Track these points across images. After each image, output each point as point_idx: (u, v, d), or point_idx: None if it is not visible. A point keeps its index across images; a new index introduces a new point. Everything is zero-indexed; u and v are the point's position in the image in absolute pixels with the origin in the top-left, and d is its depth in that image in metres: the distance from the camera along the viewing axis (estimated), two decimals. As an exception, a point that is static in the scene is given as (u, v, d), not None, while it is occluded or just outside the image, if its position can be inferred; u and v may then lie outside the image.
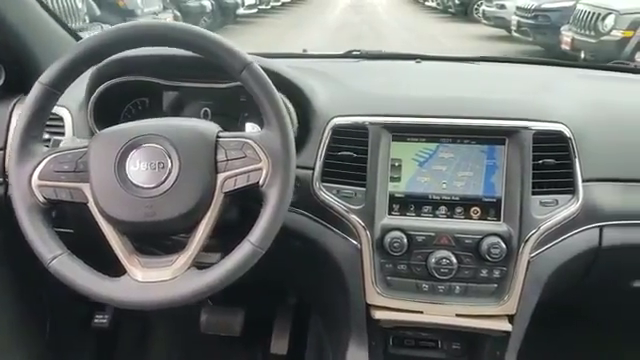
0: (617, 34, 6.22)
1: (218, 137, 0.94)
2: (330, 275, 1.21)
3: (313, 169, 1.16)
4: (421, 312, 1.15)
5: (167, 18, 8.78)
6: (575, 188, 1.13)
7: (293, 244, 1.22)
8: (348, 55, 1.64)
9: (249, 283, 1.58)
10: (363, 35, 10.90)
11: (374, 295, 1.15)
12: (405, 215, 1.15)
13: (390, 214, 1.15)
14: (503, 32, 9.97)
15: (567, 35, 6.95)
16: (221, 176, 0.92)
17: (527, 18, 8.51)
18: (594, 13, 6.48)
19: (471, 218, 1.14)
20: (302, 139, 1.19)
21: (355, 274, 1.16)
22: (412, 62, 1.52)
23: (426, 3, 18.09)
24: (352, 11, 16.89)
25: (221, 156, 0.93)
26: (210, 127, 0.96)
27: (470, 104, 1.17)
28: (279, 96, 0.95)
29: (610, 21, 6.30)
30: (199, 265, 0.95)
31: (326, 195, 1.15)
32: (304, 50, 1.79)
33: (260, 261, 0.92)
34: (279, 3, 17.58)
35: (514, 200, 1.11)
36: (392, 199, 1.15)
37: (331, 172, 1.16)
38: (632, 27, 6.09)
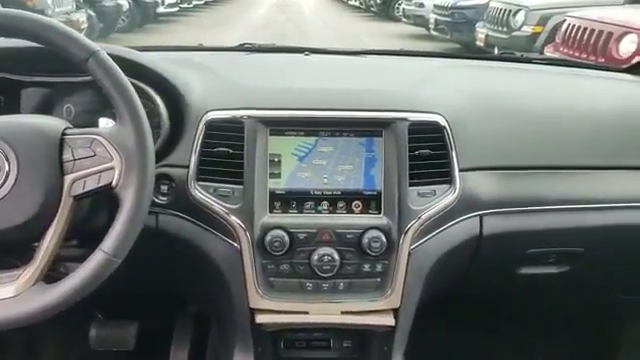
0: (527, 29, 6.50)
1: (64, 135, 0.86)
2: (212, 280, 1.15)
3: (188, 167, 1.10)
4: (306, 312, 1.11)
5: (80, 18, 8.38)
6: (452, 178, 1.13)
7: (173, 248, 1.16)
8: (239, 48, 1.59)
9: (141, 292, 1.50)
10: (287, 34, 10.87)
11: (257, 298, 1.10)
12: (287, 212, 1.11)
13: (271, 212, 1.11)
14: (423, 30, 10.21)
15: (481, 32, 7.20)
16: (68, 178, 0.85)
17: (444, 16, 8.76)
18: (506, 9, 6.75)
19: (353, 212, 1.12)
20: (176, 136, 1.13)
21: (236, 277, 1.11)
22: (301, 55, 1.49)
23: (349, 2, 18.28)
24: (277, 10, 16.83)
25: (67, 155, 0.85)
26: (55, 124, 0.88)
27: (347, 96, 1.14)
28: (131, 86, 0.88)
29: (521, 17, 6.58)
30: (55, 277, 0.87)
31: (202, 195, 1.10)
32: (199, 44, 1.74)
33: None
34: (202, 2, 17.24)
35: (393, 192, 1.10)
36: (273, 196, 1.11)
37: (207, 170, 1.10)
38: (541, 22, 6.38)
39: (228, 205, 1.09)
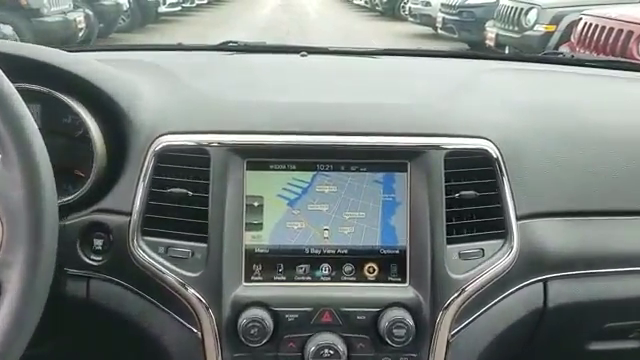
0: (540, 29, 6.24)
1: None
2: None
3: (130, 215, 0.78)
4: None
5: (77, 18, 8.12)
6: (507, 230, 0.80)
7: (109, 328, 0.83)
8: (221, 47, 1.26)
9: None
10: (291, 33, 10.57)
11: None
12: (270, 281, 0.78)
13: (248, 281, 0.78)
14: (430, 30, 9.90)
15: (491, 31, 6.91)
16: None
17: (452, 14, 8.46)
18: (517, 8, 6.48)
19: (366, 280, 0.79)
20: (114, 170, 0.81)
21: None
22: (297, 56, 1.16)
23: (354, 1, 18.06)
24: (281, 10, 16.62)
25: None
26: None
27: (357, 114, 0.82)
28: (20, 105, 0.56)
29: (533, 16, 6.32)
30: None
31: (148, 256, 0.77)
32: (179, 43, 1.41)
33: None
34: (205, 1, 17.04)
35: (423, 252, 0.77)
36: (250, 257, 0.78)
37: (156, 220, 0.78)
38: (554, 21, 6.12)
39: (185, 272, 0.77)
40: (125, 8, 10.34)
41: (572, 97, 0.99)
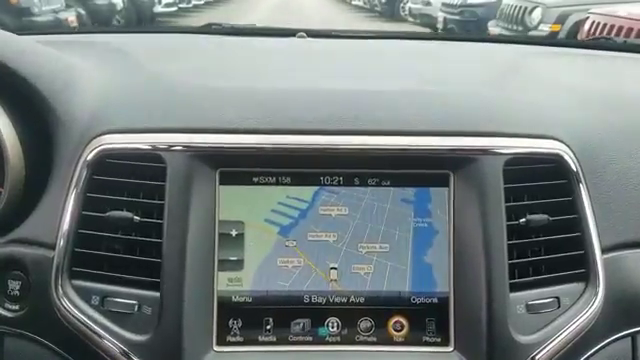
0: (545, 28, 6.10)
1: None
2: None
3: (54, 248, 0.54)
4: None
5: (69, 17, 7.94)
6: (591, 268, 0.57)
7: None
8: (205, 30, 1.02)
9: None
10: (288, 34, 10.44)
11: None
12: (254, 344, 0.54)
13: (221, 343, 0.54)
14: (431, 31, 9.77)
15: (494, 30, 6.75)
16: None
17: (453, 14, 8.30)
18: (521, 7, 6.34)
19: (391, 342, 0.55)
20: (35, 186, 0.58)
21: None
22: (293, 39, 0.92)
23: (353, 2, 17.95)
24: (278, 11, 16.57)
25: None
26: None
27: (375, 104, 0.58)
28: None
29: (537, 15, 6.18)
30: None
31: (76, 309, 0.54)
32: (156, 25, 1.16)
33: None
34: (202, 2, 16.95)
35: (475, 303, 0.54)
36: (225, 310, 0.55)
37: (88, 257, 0.55)
38: (560, 20, 5.98)
39: (128, 334, 0.53)
40: (119, 8, 10.19)
41: None
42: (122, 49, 0.74)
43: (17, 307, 0.57)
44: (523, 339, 0.54)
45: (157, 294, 0.53)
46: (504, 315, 0.53)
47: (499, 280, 0.53)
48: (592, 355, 0.59)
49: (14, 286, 0.57)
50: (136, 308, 0.53)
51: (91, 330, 0.53)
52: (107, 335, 0.53)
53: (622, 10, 4.73)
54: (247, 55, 0.82)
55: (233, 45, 0.96)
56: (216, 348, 0.54)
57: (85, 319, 0.53)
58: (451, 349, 0.55)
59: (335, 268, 0.56)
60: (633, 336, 0.61)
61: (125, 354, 0.52)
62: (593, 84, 0.72)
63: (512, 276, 0.54)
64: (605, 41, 1.04)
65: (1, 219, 0.57)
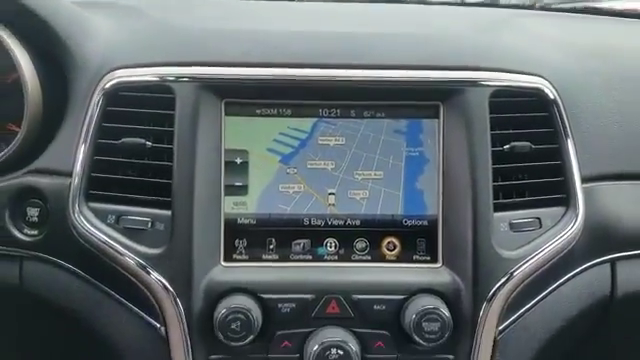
0: None
1: None
2: None
3: (71, 175, 0.59)
4: None
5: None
6: (571, 193, 0.61)
7: (52, 325, 0.64)
8: None
9: None
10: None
11: None
12: (258, 261, 0.59)
13: (228, 260, 0.59)
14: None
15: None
16: None
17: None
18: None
19: (384, 259, 0.60)
20: (53, 121, 0.62)
21: None
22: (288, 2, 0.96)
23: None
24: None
25: None
26: None
27: (372, 42, 0.62)
28: None
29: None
30: None
31: (93, 228, 0.58)
32: None
33: None
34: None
35: (462, 222, 0.58)
36: (231, 230, 0.59)
37: (104, 180, 0.60)
38: None
39: (142, 248, 0.58)
40: None
41: (626, 42, 0.80)
42: (128, 4, 0.78)
43: (36, 232, 0.61)
44: (506, 254, 0.58)
45: (169, 212, 0.57)
46: (488, 232, 0.58)
47: (484, 200, 0.58)
48: (572, 277, 0.63)
49: (33, 213, 0.61)
50: (149, 225, 0.58)
51: (108, 245, 0.57)
52: (123, 250, 0.57)
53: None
54: (248, 8, 0.86)
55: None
56: (223, 263, 0.58)
57: (102, 236, 0.58)
58: (439, 265, 0.59)
59: (333, 193, 0.60)
60: (612, 263, 0.65)
61: (141, 266, 0.57)
62: (577, 37, 0.76)
63: (497, 197, 0.59)
64: (593, 8, 1.07)
65: (20, 152, 0.61)
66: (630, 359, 0.80)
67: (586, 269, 0.64)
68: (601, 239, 0.63)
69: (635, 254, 0.65)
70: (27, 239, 0.61)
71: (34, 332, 0.68)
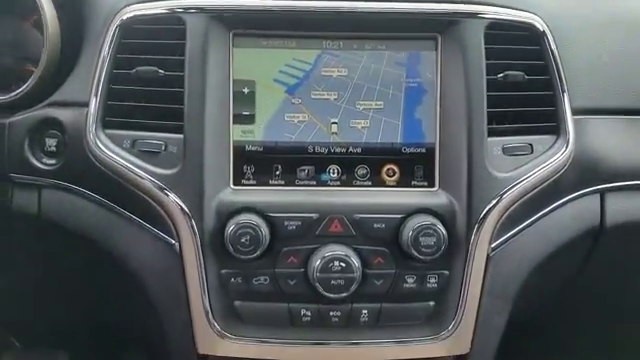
0: None
1: None
2: (136, 303, 0.66)
3: (88, 105, 0.62)
4: None
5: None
6: (561, 123, 0.64)
7: (67, 249, 0.68)
8: None
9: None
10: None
11: (210, 338, 0.63)
12: (265, 185, 0.62)
13: (237, 184, 0.62)
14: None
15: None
16: None
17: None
18: None
19: (384, 184, 0.63)
20: (70, 57, 0.66)
21: (173, 300, 0.62)
22: None
23: None
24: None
25: None
26: None
27: None
28: None
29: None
30: None
31: (110, 151, 0.61)
32: None
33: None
34: None
35: (457, 148, 0.62)
36: (240, 156, 0.63)
37: (119, 108, 0.63)
38: None
39: (156, 169, 0.61)
40: None
41: None
42: None
43: (54, 161, 0.65)
44: (499, 175, 0.61)
45: (181, 136, 0.61)
46: (482, 155, 0.61)
47: (479, 125, 0.61)
48: (563, 205, 0.66)
49: (51, 143, 0.65)
50: (163, 148, 0.61)
51: (124, 167, 0.61)
52: (138, 170, 0.61)
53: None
54: None
55: None
56: (232, 187, 0.62)
57: (118, 159, 0.61)
58: (437, 188, 0.62)
59: (335, 122, 0.63)
60: (602, 193, 0.68)
61: (157, 187, 0.60)
62: None
63: (490, 123, 0.62)
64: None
65: (38, 87, 0.64)
66: (620, 290, 0.83)
67: (576, 198, 0.67)
68: (590, 170, 0.66)
69: (623, 185, 0.68)
70: (45, 168, 0.65)
71: (52, 258, 0.71)
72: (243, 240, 0.59)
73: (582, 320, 0.96)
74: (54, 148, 0.65)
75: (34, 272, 0.76)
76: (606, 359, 1.03)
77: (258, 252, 0.59)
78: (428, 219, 0.60)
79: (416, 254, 0.59)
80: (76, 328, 1.09)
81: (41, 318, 1.03)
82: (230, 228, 0.59)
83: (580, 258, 0.71)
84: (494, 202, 0.61)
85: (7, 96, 0.64)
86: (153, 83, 0.62)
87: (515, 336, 0.70)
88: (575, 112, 0.65)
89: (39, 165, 0.64)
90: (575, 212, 0.67)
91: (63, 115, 0.64)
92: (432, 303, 0.63)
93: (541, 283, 0.69)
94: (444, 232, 0.59)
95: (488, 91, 0.62)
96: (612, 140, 0.68)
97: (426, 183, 0.63)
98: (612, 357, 1.03)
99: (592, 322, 0.97)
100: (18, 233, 0.69)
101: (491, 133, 0.62)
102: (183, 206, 0.60)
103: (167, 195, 0.60)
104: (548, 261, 0.66)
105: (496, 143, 0.62)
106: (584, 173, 0.66)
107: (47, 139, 0.65)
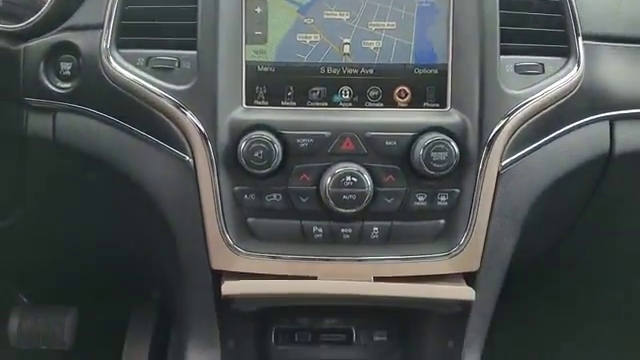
0: None
1: None
2: (150, 224, 0.67)
3: (102, 27, 0.63)
4: (314, 278, 0.63)
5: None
6: (571, 46, 0.65)
7: (81, 173, 0.68)
8: None
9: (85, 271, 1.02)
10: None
11: (224, 254, 0.64)
12: (277, 105, 0.62)
13: (250, 103, 0.62)
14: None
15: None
16: None
17: None
18: None
19: (396, 105, 0.63)
20: None
21: (188, 216, 0.63)
22: None
23: None
24: None
25: None
26: None
27: None
28: None
29: None
30: None
31: (125, 70, 0.62)
32: None
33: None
34: None
35: (470, 67, 0.62)
36: (252, 77, 0.63)
37: (133, 28, 0.64)
38: None
39: (170, 85, 0.62)
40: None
41: None
42: None
43: (68, 85, 0.65)
44: (510, 92, 0.62)
45: (194, 52, 0.61)
46: (494, 72, 0.61)
47: (491, 43, 0.61)
48: (572, 130, 0.67)
49: (66, 67, 0.65)
50: (177, 64, 0.62)
51: (139, 84, 0.61)
52: (153, 87, 0.61)
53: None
54: None
55: None
56: (244, 106, 0.62)
57: (132, 76, 0.62)
58: (449, 109, 0.63)
59: (348, 43, 0.63)
60: (611, 121, 0.69)
61: (172, 103, 0.61)
62: None
63: (504, 41, 0.62)
64: None
65: (53, 13, 0.65)
66: (623, 237, 0.84)
67: (586, 124, 0.67)
68: (600, 96, 0.67)
69: (633, 114, 0.69)
70: (60, 91, 0.65)
71: (66, 185, 0.72)
72: (256, 155, 0.59)
73: (582, 270, 0.97)
74: (69, 72, 0.65)
75: (48, 204, 0.77)
76: (605, 307, 1.04)
77: (270, 168, 0.59)
78: (440, 135, 0.60)
79: (427, 170, 0.60)
80: (86, 281, 1.10)
81: (50, 270, 1.04)
82: (243, 144, 0.59)
83: (589, 188, 0.71)
84: (506, 119, 0.61)
85: (23, 23, 0.65)
86: (166, 1, 0.62)
87: (516, 287, 0.71)
88: (585, 37, 0.65)
89: (54, 89, 0.65)
90: (584, 138, 0.67)
91: (78, 39, 0.65)
92: (442, 221, 0.63)
93: (549, 211, 0.69)
94: (456, 148, 0.60)
95: (500, 9, 0.62)
96: (622, 68, 0.68)
97: (438, 105, 0.63)
98: (612, 307, 1.04)
99: (592, 272, 0.98)
100: (33, 160, 0.70)
101: (503, 51, 0.62)
102: (198, 123, 0.61)
103: (183, 113, 0.61)
104: (557, 186, 0.66)
105: (508, 61, 0.62)
106: (594, 99, 0.66)
107: (62, 63, 0.65)
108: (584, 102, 0.66)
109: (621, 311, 1.06)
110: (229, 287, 0.63)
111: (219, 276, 0.65)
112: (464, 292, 0.63)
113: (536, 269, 0.89)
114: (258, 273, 0.63)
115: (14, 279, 1.15)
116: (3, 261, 0.97)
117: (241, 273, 0.63)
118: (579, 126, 0.67)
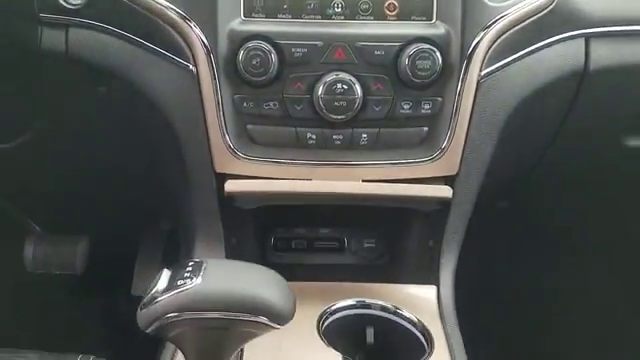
0: None
1: None
2: (158, 134, 0.73)
3: None
4: (308, 179, 0.69)
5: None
6: None
7: (91, 86, 0.73)
8: None
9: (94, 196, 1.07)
10: None
11: (226, 157, 0.69)
12: (274, 17, 0.67)
13: (248, 16, 0.67)
14: None
15: None
16: None
17: None
18: None
19: (385, 17, 0.68)
20: None
21: (192, 123, 0.68)
22: None
23: None
24: None
25: None
26: None
27: None
28: None
29: None
30: None
31: None
32: None
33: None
34: None
35: None
36: None
37: None
38: None
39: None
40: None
41: None
42: None
43: (80, 1, 0.69)
44: (491, 4, 0.67)
45: None
46: None
47: None
48: (550, 45, 0.71)
49: None
50: None
51: None
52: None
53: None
54: None
55: None
56: (242, 18, 0.67)
57: None
58: (435, 21, 0.67)
59: None
60: (586, 39, 0.73)
61: (176, 14, 0.66)
62: None
63: None
64: None
65: None
66: (597, 165, 0.89)
67: (563, 40, 0.72)
68: (575, 14, 0.71)
69: (607, 32, 0.73)
70: (72, 7, 0.69)
71: (80, 97, 0.77)
72: (254, 62, 0.64)
73: (555, 201, 1.03)
74: None
75: (63, 122, 0.82)
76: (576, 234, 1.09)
77: (267, 76, 0.65)
78: (425, 45, 0.65)
79: (412, 78, 0.65)
80: (96, 210, 1.16)
81: (64, 197, 1.09)
82: (242, 54, 0.64)
83: (565, 104, 0.76)
84: (485, 31, 0.66)
85: None
86: None
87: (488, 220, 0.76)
88: None
89: (66, 5, 0.69)
90: (561, 54, 0.72)
91: None
92: (425, 128, 0.69)
93: (529, 125, 0.74)
94: (439, 57, 0.65)
95: None
96: None
97: (424, 17, 0.67)
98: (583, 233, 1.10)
99: (565, 203, 1.03)
100: (48, 75, 0.74)
101: None
102: (198, 32, 0.65)
103: (188, 24, 0.66)
104: (534, 98, 0.71)
105: None
106: (569, 16, 0.71)
107: None
108: (559, 18, 0.70)
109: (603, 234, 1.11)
110: (232, 185, 0.69)
111: (222, 180, 0.71)
112: (443, 190, 0.70)
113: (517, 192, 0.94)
114: (258, 176, 0.69)
115: (26, 209, 1.21)
116: (17, 185, 1.03)
117: (242, 176, 0.69)
118: (557, 42, 0.71)
